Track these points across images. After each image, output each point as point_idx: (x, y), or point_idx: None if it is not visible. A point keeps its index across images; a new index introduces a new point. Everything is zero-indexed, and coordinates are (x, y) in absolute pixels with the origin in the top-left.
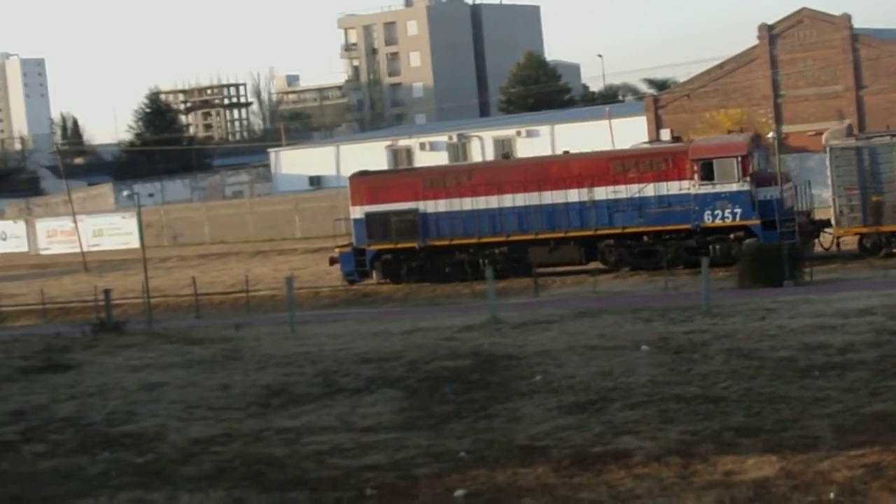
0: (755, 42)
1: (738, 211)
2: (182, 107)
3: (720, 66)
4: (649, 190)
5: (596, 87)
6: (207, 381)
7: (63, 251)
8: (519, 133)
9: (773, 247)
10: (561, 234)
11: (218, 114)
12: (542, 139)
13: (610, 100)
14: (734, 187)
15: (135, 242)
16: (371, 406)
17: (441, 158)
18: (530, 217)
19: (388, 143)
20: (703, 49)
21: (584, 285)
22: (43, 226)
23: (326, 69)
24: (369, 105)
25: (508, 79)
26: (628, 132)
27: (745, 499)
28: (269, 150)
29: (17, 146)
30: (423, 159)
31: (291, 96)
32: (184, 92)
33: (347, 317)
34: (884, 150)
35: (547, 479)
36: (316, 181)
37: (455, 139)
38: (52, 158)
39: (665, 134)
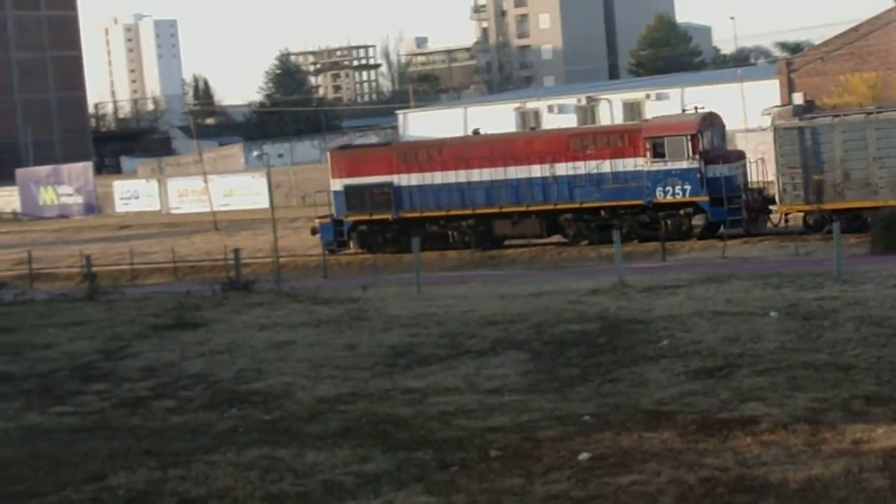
0: (892, 4)
1: (688, 188)
2: (312, 68)
3: (855, 28)
4: (606, 166)
5: (727, 50)
6: (334, 340)
7: (194, 210)
8: (648, 96)
9: None
10: (523, 208)
11: (347, 75)
12: (671, 102)
13: (741, 63)
14: (684, 165)
15: (264, 202)
16: (496, 368)
17: (570, 121)
18: (496, 191)
19: (517, 105)
20: (838, 11)
21: (713, 250)
22: (174, 185)
23: (455, 31)
24: (498, 67)
25: (638, 41)
26: (760, 96)
27: (874, 468)
28: (398, 111)
29: (150, 106)
30: (552, 122)
31: (420, 58)
32: (314, 54)
33: (473, 279)
34: (825, 131)
35: (672, 445)
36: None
37: (584, 102)
38: (184, 119)
39: (798, 98)
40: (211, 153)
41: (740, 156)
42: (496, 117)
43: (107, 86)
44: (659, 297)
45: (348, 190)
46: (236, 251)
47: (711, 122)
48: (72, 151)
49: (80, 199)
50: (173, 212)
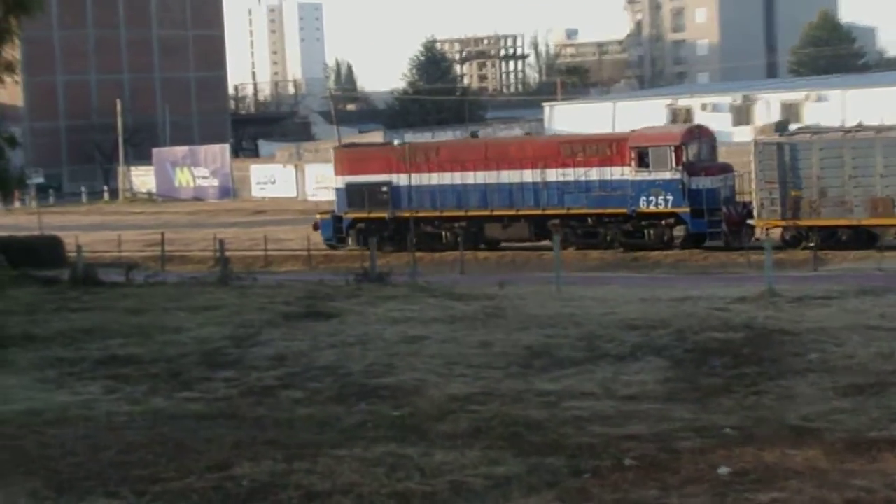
0: None
1: (670, 198)
2: (457, 57)
3: None
4: (593, 174)
5: (894, 52)
6: (468, 337)
7: (331, 198)
8: (808, 97)
9: None
10: (513, 212)
11: (493, 65)
12: (831, 104)
13: None
14: (667, 175)
15: None
16: (635, 374)
17: (724, 120)
18: (489, 194)
19: (668, 101)
20: None
21: (867, 261)
22: (312, 171)
23: (607, 23)
24: (650, 61)
25: (800, 39)
26: None
27: None
28: (544, 104)
29: (291, 90)
30: (704, 121)
31: (569, 50)
32: (460, 42)
33: (615, 280)
34: (804, 147)
35: (817, 463)
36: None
37: (739, 101)
38: (325, 104)
39: None
40: (352, 138)
41: (725, 168)
42: (646, 113)
43: (247, 67)
44: (809, 308)
45: (349, 187)
46: (371, 241)
47: (698, 134)
48: (209, 133)
49: (215, 182)
50: (310, 199)
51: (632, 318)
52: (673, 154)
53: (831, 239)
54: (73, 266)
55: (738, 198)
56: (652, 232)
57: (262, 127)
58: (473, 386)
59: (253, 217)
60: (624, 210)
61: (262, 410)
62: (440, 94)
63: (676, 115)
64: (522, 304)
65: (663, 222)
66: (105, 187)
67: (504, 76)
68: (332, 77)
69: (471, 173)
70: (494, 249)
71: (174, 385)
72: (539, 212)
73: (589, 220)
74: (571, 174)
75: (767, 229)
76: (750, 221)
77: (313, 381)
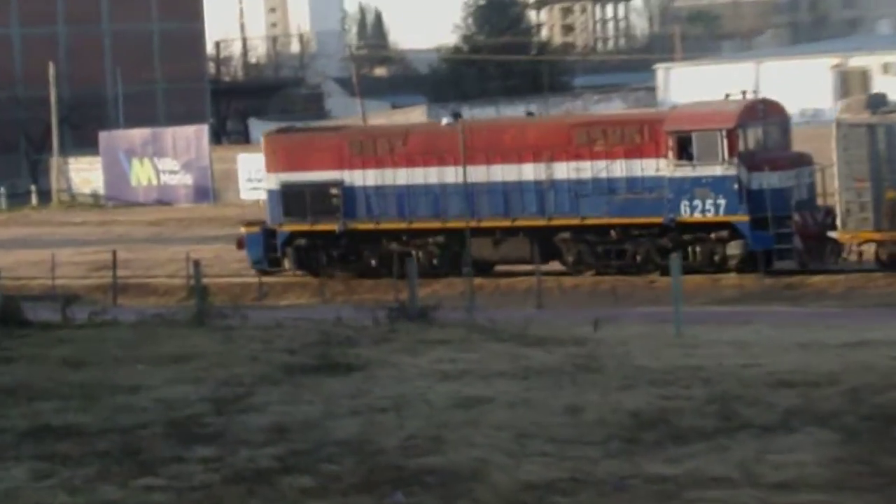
0: None
1: (722, 202)
2: (532, 0)
3: None
4: (618, 169)
5: None
6: (550, 400)
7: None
8: None
9: None
10: (508, 223)
11: (583, 11)
12: None
13: None
14: (717, 171)
15: None
16: (788, 452)
17: None
18: (476, 198)
19: (835, 62)
20: None
21: None
22: None
23: None
24: (808, 3)
25: None
26: None
27: None
28: (656, 65)
29: (295, 48)
30: (886, 88)
31: None
32: None
33: (759, 317)
34: None
35: None
36: None
37: None
38: (343, 67)
39: None
40: (381, 117)
41: (800, 160)
42: (802, 78)
43: (234, 17)
44: None
45: (286, 189)
46: (408, 259)
47: (763, 112)
48: (180, 109)
49: (188, 179)
50: None
51: (784, 372)
52: (725, 141)
53: None
54: None
55: (820, 201)
56: (698, 249)
57: (254, 100)
58: (557, 469)
59: (242, 229)
60: (659, 219)
61: (254, 503)
62: (508, 52)
63: (847, 81)
64: (627, 352)
65: (713, 235)
66: (32, 187)
67: (599, 26)
68: (354, 29)
69: (451, 169)
70: (485, 273)
71: (130, 468)
72: (543, 222)
73: (612, 232)
74: (588, 169)
75: (859, 245)
76: (832, 234)
77: (328, 461)
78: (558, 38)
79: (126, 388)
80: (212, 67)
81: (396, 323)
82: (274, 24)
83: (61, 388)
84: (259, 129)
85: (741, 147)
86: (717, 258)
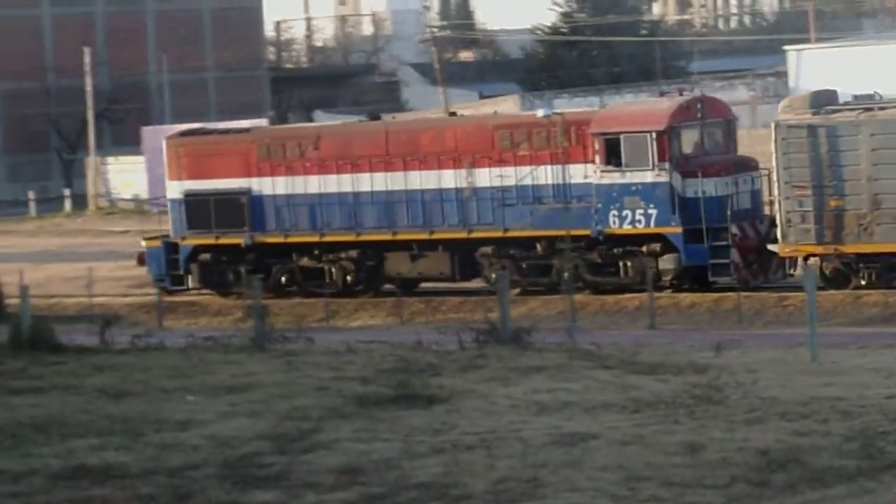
0: None
1: (653, 212)
2: None
3: None
4: (543, 175)
5: None
6: (663, 436)
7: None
8: None
9: None
10: (426, 235)
11: None
12: None
13: None
14: (647, 177)
15: None
16: None
17: None
18: (392, 208)
19: None
20: None
21: None
22: None
23: None
24: None
25: None
26: None
27: None
28: (787, 47)
29: (367, 30)
30: None
31: None
32: None
33: None
34: (847, 131)
35: None
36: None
37: None
38: (423, 52)
39: None
40: (466, 108)
41: (742, 165)
42: None
43: None
44: None
45: (190, 199)
46: (501, 273)
47: (700, 112)
48: (234, 101)
49: None
50: None
51: None
52: (655, 144)
53: (892, 274)
54: (14, 320)
55: (769, 210)
56: (629, 264)
57: (320, 90)
58: None
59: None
60: (587, 231)
61: None
62: (614, 32)
63: None
64: (754, 381)
65: (644, 249)
66: (66, 191)
67: (720, 2)
68: (435, 8)
69: (366, 175)
70: (410, 291)
71: None
72: (464, 234)
73: (537, 246)
74: (512, 176)
75: (805, 259)
76: (772, 247)
77: None
78: (673, 17)
79: (174, 422)
80: (271, 52)
81: (486, 347)
82: (343, 2)
83: (99, 422)
84: (327, 122)
85: (674, 151)
86: (648, 275)
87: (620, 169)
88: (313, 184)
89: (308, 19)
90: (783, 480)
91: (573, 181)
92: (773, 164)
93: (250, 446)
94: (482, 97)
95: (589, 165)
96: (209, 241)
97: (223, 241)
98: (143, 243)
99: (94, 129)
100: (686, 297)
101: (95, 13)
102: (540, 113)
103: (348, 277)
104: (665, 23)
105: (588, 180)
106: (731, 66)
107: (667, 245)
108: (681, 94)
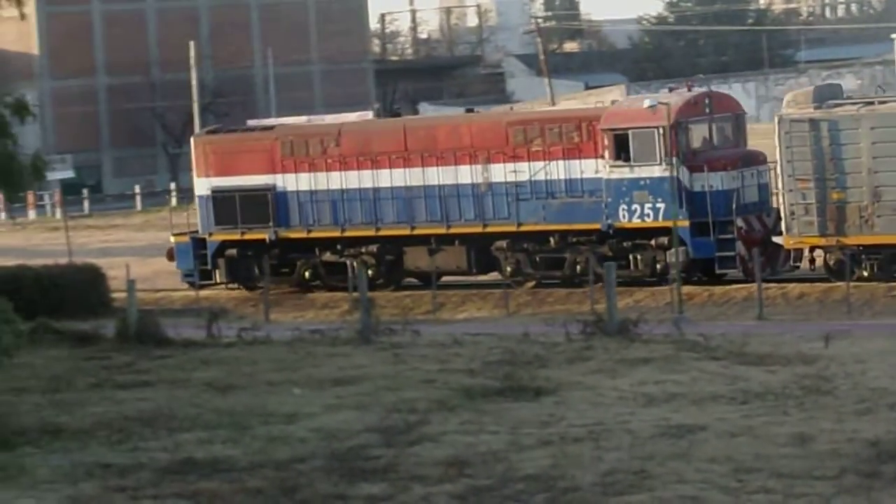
0: None
1: (661, 206)
2: None
3: None
4: (556, 171)
5: None
6: (772, 427)
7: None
8: None
9: None
10: (443, 231)
11: None
12: None
13: None
14: (655, 172)
15: None
16: None
17: None
18: (412, 204)
19: None
20: None
21: None
22: None
23: None
24: None
25: None
26: None
27: None
28: (895, 35)
29: (472, 21)
30: None
31: None
32: None
33: None
34: (848, 126)
35: None
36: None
37: None
38: (528, 42)
39: None
40: (571, 99)
41: (750, 159)
42: None
43: None
44: None
45: (217, 195)
46: (608, 267)
47: (706, 107)
48: (339, 93)
49: None
50: None
51: None
52: (662, 139)
53: (893, 266)
54: (121, 314)
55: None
56: (639, 257)
57: (425, 82)
58: None
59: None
60: (597, 225)
61: None
62: (721, 21)
63: None
64: (863, 372)
65: (653, 242)
66: (172, 185)
67: None
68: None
69: (386, 172)
70: (423, 284)
71: None
72: (480, 229)
73: (551, 240)
74: (526, 171)
75: (811, 251)
76: (776, 239)
77: (514, 500)
78: (780, 5)
79: (281, 415)
80: (376, 45)
81: (592, 339)
82: None
83: (206, 416)
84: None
85: (682, 146)
86: (659, 267)
87: (629, 164)
88: (335, 180)
89: (413, 11)
90: (894, 471)
91: (584, 176)
92: (777, 157)
93: (357, 439)
94: (587, 88)
95: (599, 161)
96: (235, 236)
97: (248, 236)
98: (172, 239)
99: (199, 123)
100: (795, 288)
101: (199, 7)
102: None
103: (369, 272)
104: (772, 11)
105: (598, 175)
106: (839, 55)
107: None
108: (689, 90)
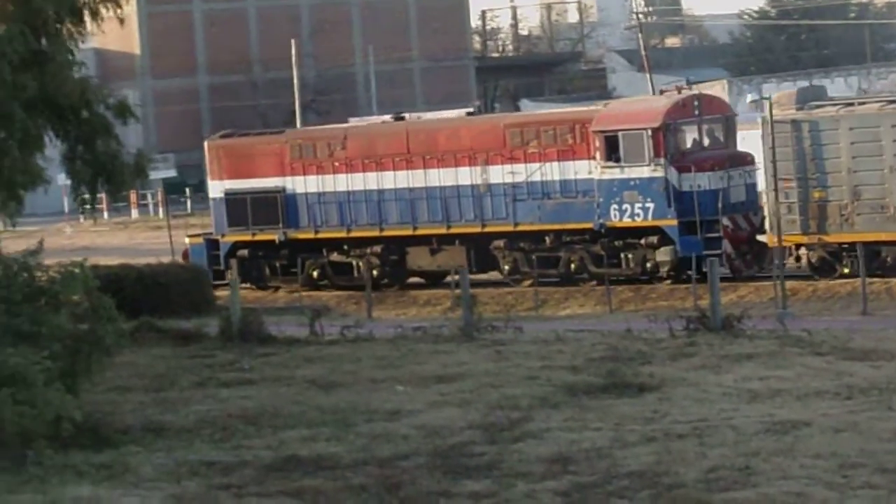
0: None
1: (651, 206)
2: None
3: None
4: (550, 172)
5: None
6: (878, 423)
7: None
8: None
9: None
10: (444, 231)
11: None
12: None
13: None
14: (645, 172)
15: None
16: None
17: None
18: (414, 205)
19: None
20: None
21: None
22: None
23: None
24: None
25: None
26: None
27: None
28: None
29: (573, 17)
30: None
31: None
32: None
33: None
34: (828, 126)
35: None
36: None
37: None
38: (629, 38)
39: None
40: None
41: (737, 160)
42: None
43: None
44: None
45: (229, 198)
46: (711, 263)
47: (695, 109)
48: (440, 91)
49: None
50: None
51: None
52: (651, 140)
53: (873, 262)
54: (224, 313)
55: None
56: (630, 256)
57: (526, 79)
58: None
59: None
60: (590, 224)
61: None
62: (823, 16)
63: None
64: None
65: (643, 241)
66: None
67: None
68: None
69: (389, 173)
70: (430, 283)
71: None
72: (478, 229)
73: (546, 239)
74: (522, 172)
75: (796, 249)
76: (761, 237)
77: (619, 496)
78: None
79: (384, 413)
80: (477, 41)
81: (696, 335)
82: None
83: (310, 413)
84: (533, 111)
85: (670, 147)
86: (649, 266)
87: (620, 165)
88: (341, 182)
89: (513, 8)
90: None
91: (578, 177)
92: (761, 158)
93: (460, 436)
94: (689, 83)
95: (592, 162)
96: (246, 237)
97: (259, 237)
98: (187, 240)
99: (300, 121)
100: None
101: (301, 5)
102: (749, 98)
103: (374, 271)
104: (874, 5)
105: (591, 176)
106: None
107: (664, 237)
108: (679, 92)
